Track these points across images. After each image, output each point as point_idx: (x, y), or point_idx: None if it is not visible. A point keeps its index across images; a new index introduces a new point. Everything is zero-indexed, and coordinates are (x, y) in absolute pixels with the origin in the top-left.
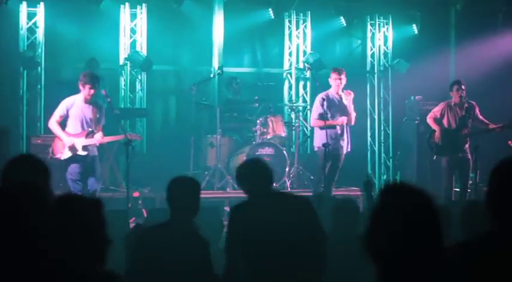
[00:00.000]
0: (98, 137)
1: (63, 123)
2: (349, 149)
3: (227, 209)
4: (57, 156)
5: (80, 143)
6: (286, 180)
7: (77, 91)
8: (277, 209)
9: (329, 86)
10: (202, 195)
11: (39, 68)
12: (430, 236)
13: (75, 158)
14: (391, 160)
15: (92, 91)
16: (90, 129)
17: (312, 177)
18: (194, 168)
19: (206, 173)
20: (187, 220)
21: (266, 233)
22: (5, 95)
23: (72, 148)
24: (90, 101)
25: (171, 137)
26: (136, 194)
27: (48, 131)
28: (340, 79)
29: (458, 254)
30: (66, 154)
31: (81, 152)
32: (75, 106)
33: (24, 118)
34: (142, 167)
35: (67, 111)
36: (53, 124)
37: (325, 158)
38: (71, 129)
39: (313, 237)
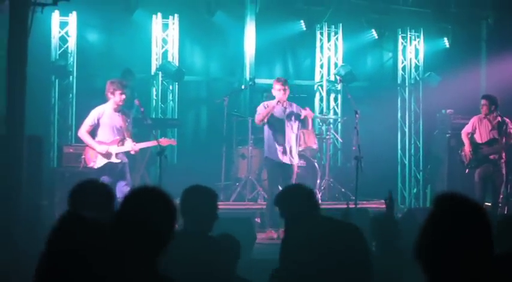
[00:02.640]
0: (130, 144)
1: (93, 133)
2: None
3: (258, 220)
4: (90, 165)
5: (113, 150)
6: (318, 193)
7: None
8: (327, 233)
9: (360, 98)
10: (233, 207)
11: (70, 77)
12: (483, 246)
13: (108, 166)
14: (421, 173)
15: (123, 96)
16: (121, 137)
17: (342, 190)
18: (225, 179)
19: (237, 184)
20: (202, 228)
21: (315, 256)
22: (37, 104)
23: (106, 156)
24: (118, 109)
25: (202, 148)
26: None
27: (80, 140)
28: (284, 89)
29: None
30: (99, 163)
31: (114, 160)
32: (105, 115)
33: (56, 127)
34: (172, 177)
35: (98, 121)
36: (84, 133)
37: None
38: (102, 137)
39: (362, 264)
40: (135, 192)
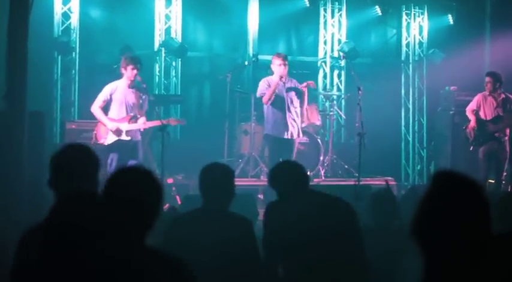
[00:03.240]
0: (141, 122)
1: (106, 109)
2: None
3: (261, 196)
4: (101, 141)
5: (123, 127)
6: (321, 169)
7: (110, 76)
8: (315, 208)
9: (363, 75)
10: (236, 183)
11: (73, 53)
12: (480, 223)
13: (118, 143)
14: (425, 150)
15: (135, 71)
16: (132, 114)
17: (346, 167)
18: (228, 155)
19: (240, 160)
20: (221, 206)
21: (302, 231)
22: (40, 80)
23: (116, 133)
24: (133, 85)
25: (205, 124)
26: (170, 181)
27: (83, 116)
28: (285, 64)
29: (502, 244)
30: (109, 139)
31: (124, 137)
32: (118, 91)
33: (59, 103)
34: (176, 153)
35: (110, 96)
36: (96, 109)
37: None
38: (114, 114)
39: (352, 240)
40: (119, 171)
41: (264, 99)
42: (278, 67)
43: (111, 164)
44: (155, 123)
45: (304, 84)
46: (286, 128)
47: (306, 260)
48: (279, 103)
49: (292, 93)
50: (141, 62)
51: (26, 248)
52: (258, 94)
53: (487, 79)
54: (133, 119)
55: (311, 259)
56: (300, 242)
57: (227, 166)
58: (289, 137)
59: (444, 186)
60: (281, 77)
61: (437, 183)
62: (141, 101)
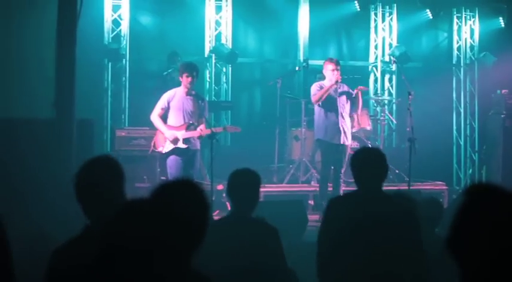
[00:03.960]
0: (198, 130)
1: (164, 116)
2: (349, 142)
3: (311, 202)
4: (159, 149)
5: (180, 135)
6: None
7: (161, 83)
8: (376, 210)
9: (414, 79)
10: (287, 189)
11: (124, 60)
12: None
13: (176, 152)
14: (476, 154)
15: (190, 79)
16: (190, 122)
17: (397, 171)
18: (279, 161)
19: (291, 166)
20: (247, 211)
21: (358, 231)
22: (90, 87)
23: (174, 141)
24: (191, 92)
25: (256, 130)
26: (220, 187)
27: (134, 123)
28: (337, 69)
29: None
30: (167, 147)
31: (181, 145)
32: (176, 98)
33: (109, 110)
34: (226, 159)
35: (168, 104)
36: (155, 117)
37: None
38: (172, 121)
39: (410, 249)
40: (166, 184)
41: (313, 99)
42: (331, 72)
43: (170, 172)
44: (213, 130)
45: (356, 90)
46: (339, 134)
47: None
48: (332, 108)
49: (344, 99)
50: (197, 69)
51: (58, 268)
52: (312, 98)
53: None
54: (192, 127)
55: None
56: (357, 238)
57: (253, 172)
58: (342, 143)
59: (478, 200)
60: (337, 81)
61: (472, 196)
62: (199, 109)
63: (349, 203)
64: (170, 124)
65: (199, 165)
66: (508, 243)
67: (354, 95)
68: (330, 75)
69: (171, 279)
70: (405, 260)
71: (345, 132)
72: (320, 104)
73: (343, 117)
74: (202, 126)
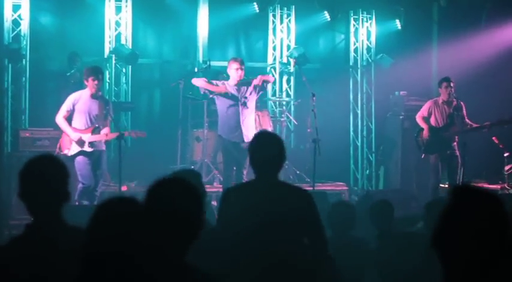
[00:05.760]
0: (104, 133)
1: (69, 119)
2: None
3: (215, 203)
4: (64, 152)
5: (86, 138)
6: None
7: (62, 83)
8: (273, 196)
9: (312, 80)
10: None
11: (24, 60)
12: (502, 239)
13: (81, 154)
14: (373, 155)
15: (96, 82)
16: (96, 125)
17: (297, 172)
18: (181, 162)
19: (193, 167)
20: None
21: (256, 218)
22: None
23: (79, 143)
24: (96, 95)
25: (156, 131)
26: (124, 188)
27: (34, 124)
28: (241, 69)
29: None
30: (73, 150)
31: (87, 148)
32: (82, 101)
33: (10, 111)
34: (127, 160)
35: (73, 106)
36: (60, 119)
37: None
38: (76, 124)
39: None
40: (160, 183)
41: (201, 86)
42: (235, 71)
43: (80, 174)
44: (117, 134)
45: (256, 80)
46: (239, 131)
47: (255, 247)
48: (232, 105)
49: (247, 95)
50: (102, 72)
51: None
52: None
53: (443, 84)
54: (97, 130)
55: (260, 247)
56: (254, 226)
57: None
58: (243, 141)
59: (464, 201)
60: (235, 84)
61: (457, 197)
62: (104, 112)
63: (245, 190)
64: (75, 127)
65: (105, 166)
66: (489, 240)
67: (256, 83)
68: (234, 74)
69: (164, 278)
70: (300, 241)
71: (247, 130)
72: (217, 99)
73: (243, 114)
74: (107, 130)
